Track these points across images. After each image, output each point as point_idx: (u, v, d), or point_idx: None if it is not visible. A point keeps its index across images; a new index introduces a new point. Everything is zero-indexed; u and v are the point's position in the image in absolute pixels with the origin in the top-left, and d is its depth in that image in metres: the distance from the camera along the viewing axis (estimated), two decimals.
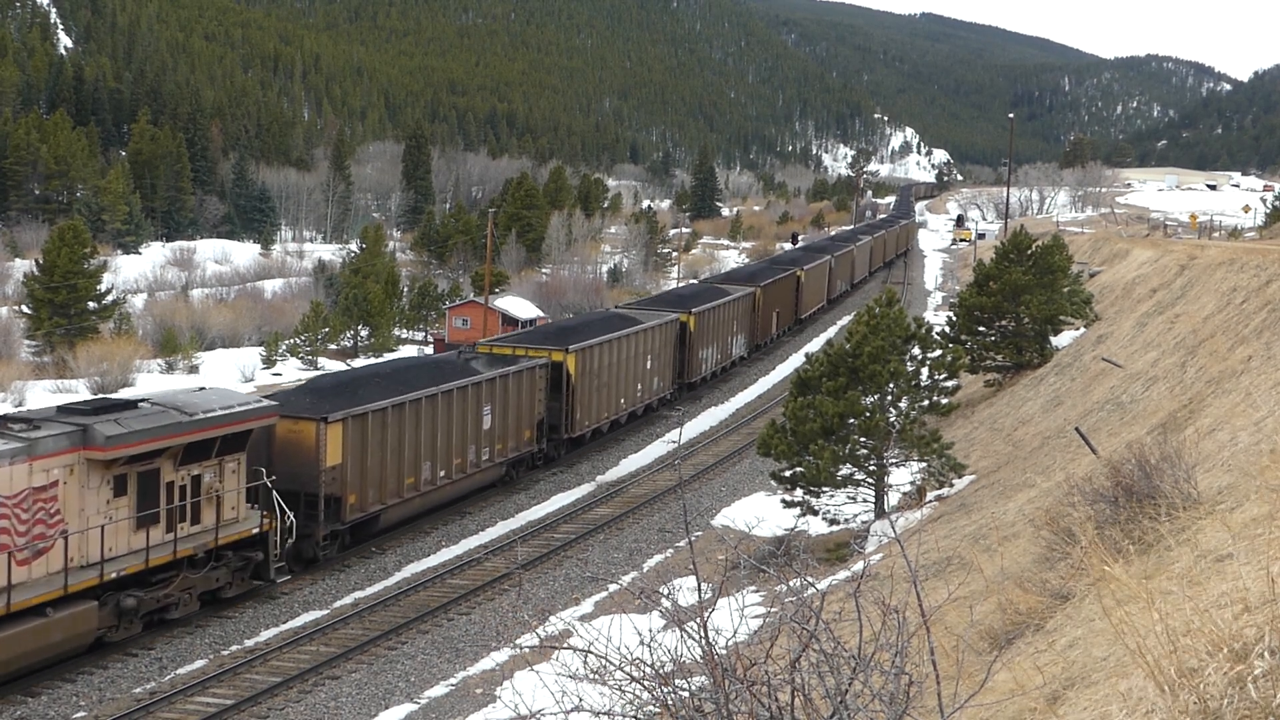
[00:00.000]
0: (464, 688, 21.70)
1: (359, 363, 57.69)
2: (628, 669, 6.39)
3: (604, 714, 6.37)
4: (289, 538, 25.51)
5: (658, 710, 6.30)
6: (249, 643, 23.61)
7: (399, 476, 29.26)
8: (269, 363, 59.88)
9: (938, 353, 27.72)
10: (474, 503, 33.74)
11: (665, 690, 6.30)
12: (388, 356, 60.64)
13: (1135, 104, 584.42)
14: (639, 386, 42.71)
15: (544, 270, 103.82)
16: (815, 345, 62.74)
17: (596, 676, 6.45)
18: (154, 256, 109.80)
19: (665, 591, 7.02)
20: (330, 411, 26.93)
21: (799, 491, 26.01)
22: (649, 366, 43.31)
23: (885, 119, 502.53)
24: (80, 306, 65.72)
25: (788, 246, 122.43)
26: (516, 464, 35.18)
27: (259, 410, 24.94)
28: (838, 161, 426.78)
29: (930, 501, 25.44)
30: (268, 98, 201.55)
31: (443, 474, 31.05)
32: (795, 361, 58.33)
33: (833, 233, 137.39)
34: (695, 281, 68.94)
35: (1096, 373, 30.48)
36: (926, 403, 26.97)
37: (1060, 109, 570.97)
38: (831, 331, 70.67)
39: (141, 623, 22.71)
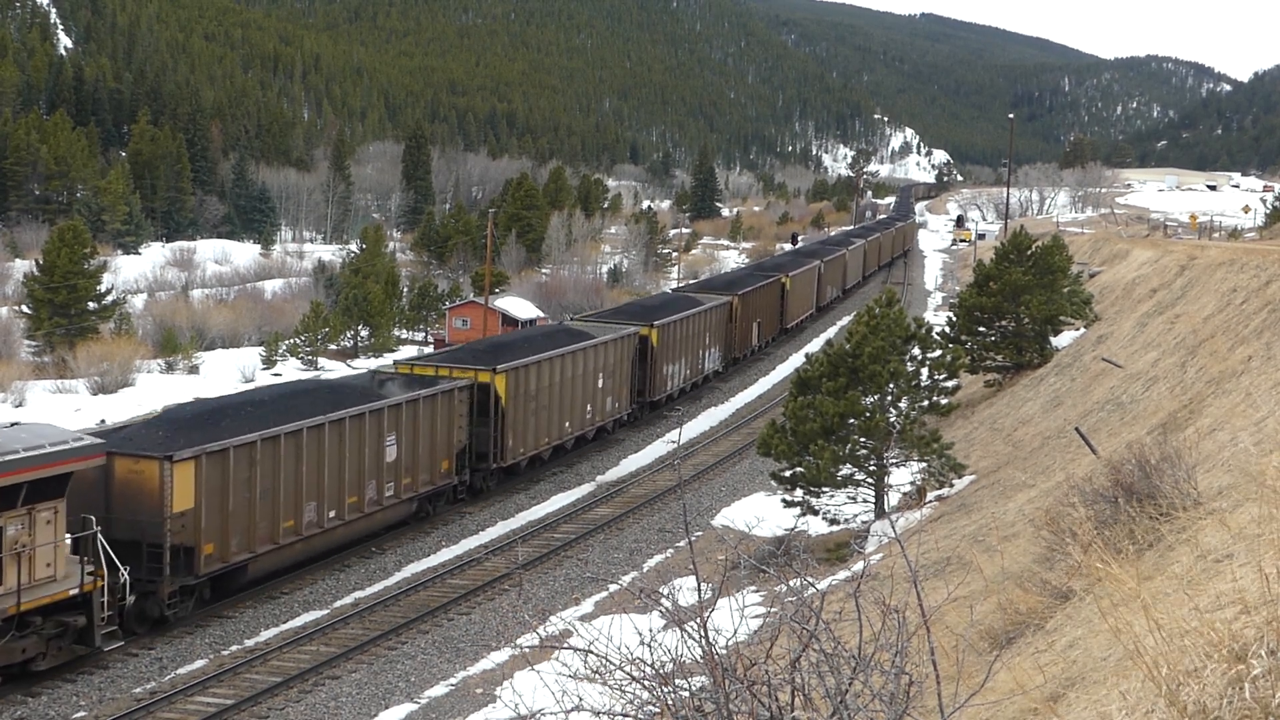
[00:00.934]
0: (464, 688, 21.70)
1: (359, 363, 57.65)
2: (628, 669, 6.39)
3: (604, 714, 6.37)
4: (125, 596, 21.85)
5: (658, 710, 6.30)
6: (249, 643, 23.62)
7: (273, 520, 25.56)
8: (269, 363, 59.87)
9: (938, 353, 27.73)
10: (474, 503, 33.73)
11: (665, 690, 6.30)
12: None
13: (1135, 104, 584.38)
14: (588, 408, 38.86)
15: (544, 270, 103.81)
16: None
17: (596, 676, 6.45)
18: (154, 257, 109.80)
19: (665, 591, 7.02)
20: (178, 448, 23.33)
21: (799, 491, 26.02)
22: (601, 385, 39.46)
23: (885, 119, 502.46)
24: (80, 307, 65.71)
25: (787, 247, 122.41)
26: (434, 498, 31.51)
27: (79, 450, 21.05)
28: (838, 162, 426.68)
29: (930, 501, 25.45)
30: (268, 98, 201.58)
31: (333, 515, 27.22)
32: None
33: (828, 234, 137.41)
34: (669, 290, 63.23)
35: (1096, 373, 30.48)
36: (926, 403, 26.97)
37: (1060, 109, 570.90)
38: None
39: None
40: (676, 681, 6.35)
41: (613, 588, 23.62)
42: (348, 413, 27.64)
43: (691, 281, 73.55)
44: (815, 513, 26.22)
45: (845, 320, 71.94)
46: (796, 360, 57.23)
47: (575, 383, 37.75)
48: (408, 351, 63.53)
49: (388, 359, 56.66)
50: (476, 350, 36.04)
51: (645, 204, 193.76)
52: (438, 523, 31.89)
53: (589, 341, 38.98)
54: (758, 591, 20.30)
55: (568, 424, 37.72)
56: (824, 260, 78.83)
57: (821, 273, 77.01)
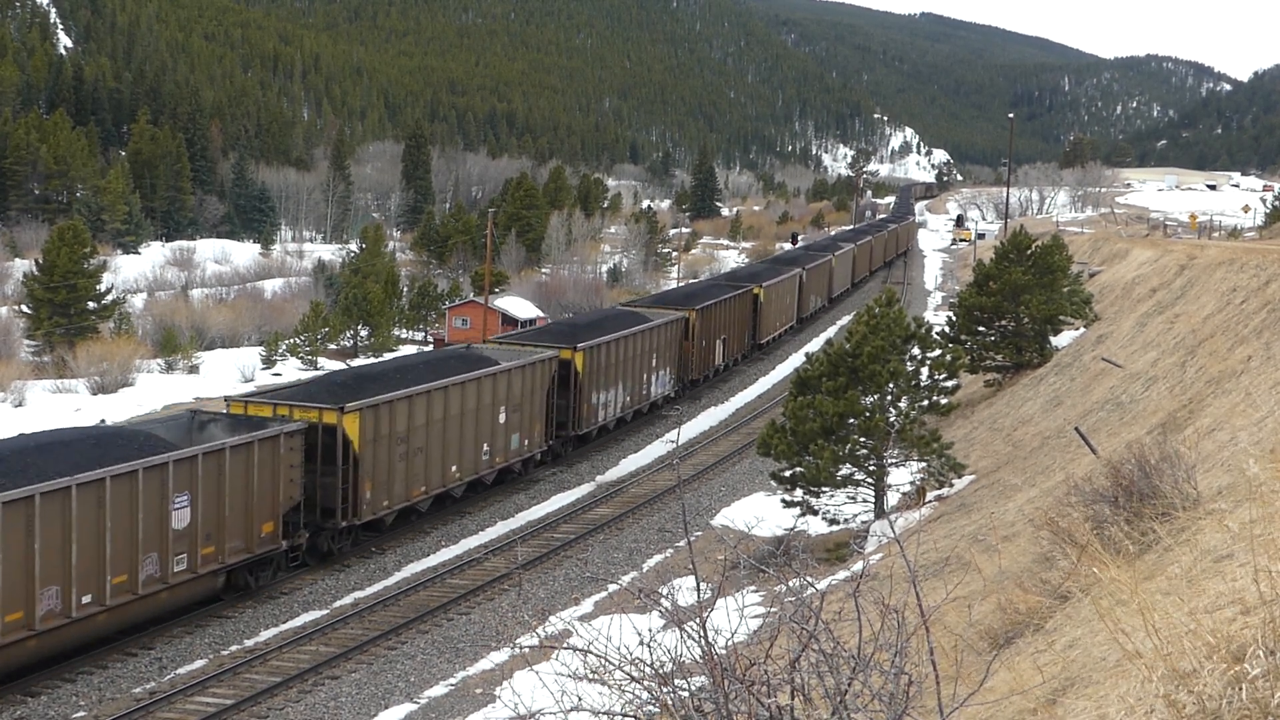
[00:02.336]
0: (464, 688, 21.71)
1: (356, 363, 57.62)
2: (627, 669, 6.39)
3: (604, 714, 6.37)
4: None
5: (657, 710, 6.31)
6: (249, 642, 23.62)
7: None
8: (269, 363, 59.89)
9: (937, 352, 27.73)
10: (474, 503, 33.73)
11: (665, 690, 6.30)
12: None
13: (1135, 104, 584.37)
14: (484, 447, 33.15)
15: (544, 270, 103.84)
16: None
17: (596, 676, 6.46)
18: (154, 256, 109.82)
19: (665, 591, 7.02)
20: None
21: (799, 491, 26.02)
22: (503, 420, 33.80)
23: (885, 119, 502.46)
24: (80, 306, 65.75)
25: (787, 246, 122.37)
26: (256, 566, 25.64)
27: None
28: (837, 161, 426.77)
29: (930, 501, 25.45)
30: (267, 98, 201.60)
31: (88, 600, 21.41)
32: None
33: (828, 233, 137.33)
34: (617, 305, 56.43)
35: (1096, 373, 30.49)
36: (926, 403, 26.98)
37: (1060, 109, 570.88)
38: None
39: None
40: (676, 681, 6.35)
41: (612, 588, 23.62)
42: (109, 471, 21.54)
43: (637, 298, 64.61)
44: (815, 513, 26.23)
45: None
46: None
47: (465, 419, 31.82)
48: (407, 350, 63.50)
49: (388, 357, 56.52)
50: (332, 384, 29.86)
51: (645, 204, 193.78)
52: (437, 523, 31.87)
53: (487, 370, 33.12)
54: (757, 591, 20.30)
55: (454, 468, 31.57)
56: (806, 268, 72.33)
57: (803, 281, 70.67)
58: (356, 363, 58.21)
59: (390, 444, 28.80)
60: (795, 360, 59.00)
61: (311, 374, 35.28)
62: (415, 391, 29.88)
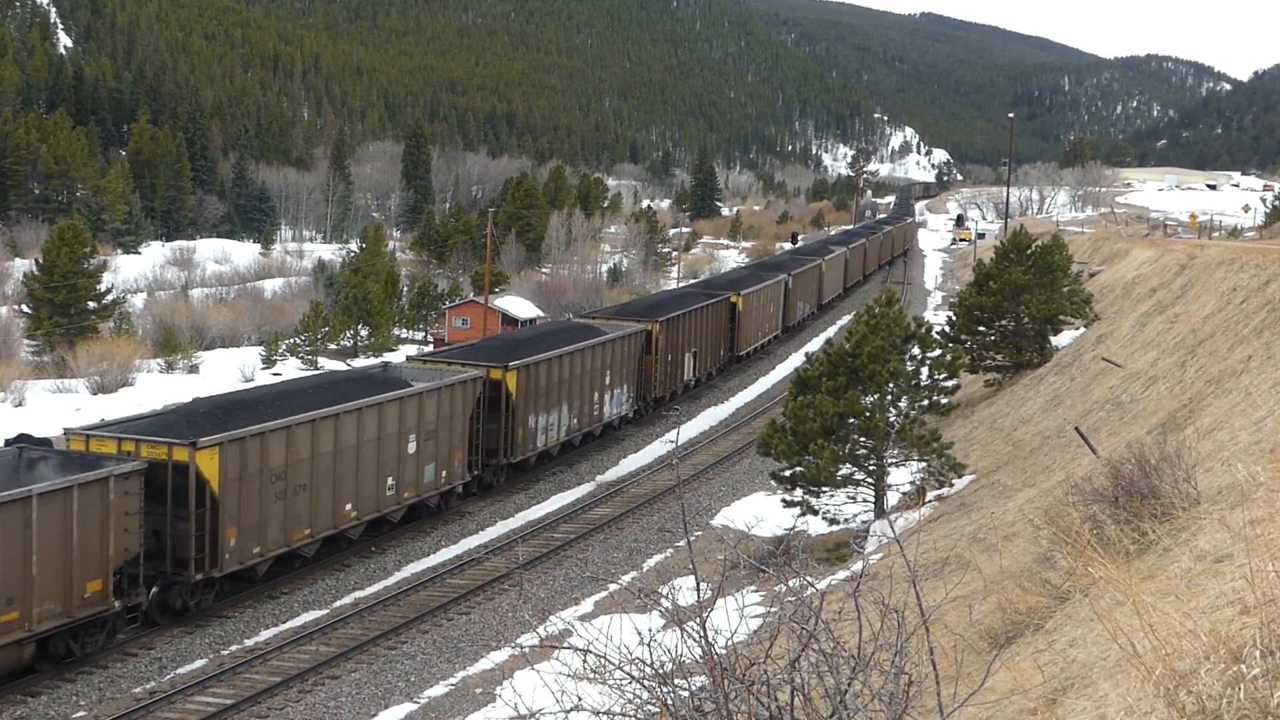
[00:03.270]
0: (464, 687, 21.71)
1: (358, 363, 57.61)
2: (627, 668, 6.39)
3: (604, 713, 6.38)
4: None
5: (657, 710, 6.31)
6: (249, 642, 23.63)
7: None
8: (269, 363, 59.89)
9: (937, 352, 27.74)
10: (474, 503, 33.74)
11: (665, 690, 6.31)
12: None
13: (1135, 104, 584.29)
14: (389, 481, 29.30)
15: (544, 270, 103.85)
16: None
17: (596, 676, 6.46)
18: (154, 256, 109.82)
19: (665, 591, 7.02)
20: None
21: (799, 491, 26.03)
22: (413, 449, 30.02)
23: (885, 119, 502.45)
24: (80, 306, 65.75)
25: (787, 246, 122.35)
26: (82, 631, 21.81)
27: None
28: (837, 161, 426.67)
29: (930, 501, 25.45)
30: (267, 97, 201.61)
31: None
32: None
33: (827, 233, 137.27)
34: (570, 318, 52.29)
35: (1096, 372, 30.49)
36: (926, 402, 26.99)
37: (1060, 109, 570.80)
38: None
39: None
40: (676, 681, 6.35)
41: (612, 587, 23.63)
42: None
43: (597, 308, 60.78)
44: (815, 512, 26.23)
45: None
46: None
47: (364, 450, 28.04)
48: (407, 351, 63.51)
49: (388, 357, 56.49)
50: (193, 414, 25.61)
51: (645, 203, 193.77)
52: (437, 523, 31.88)
53: (390, 394, 29.35)
54: (757, 591, 20.31)
55: (349, 506, 27.89)
56: (792, 273, 67.91)
57: (789, 288, 66.41)
58: (357, 363, 58.15)
59: (262, 482, 24.97)
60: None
61: (178, 402, 29.60)
62: (297, 421, 26.01)
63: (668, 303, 50.29)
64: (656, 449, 41.59)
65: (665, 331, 45.24)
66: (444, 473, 31.45)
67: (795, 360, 59.21)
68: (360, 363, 57.11)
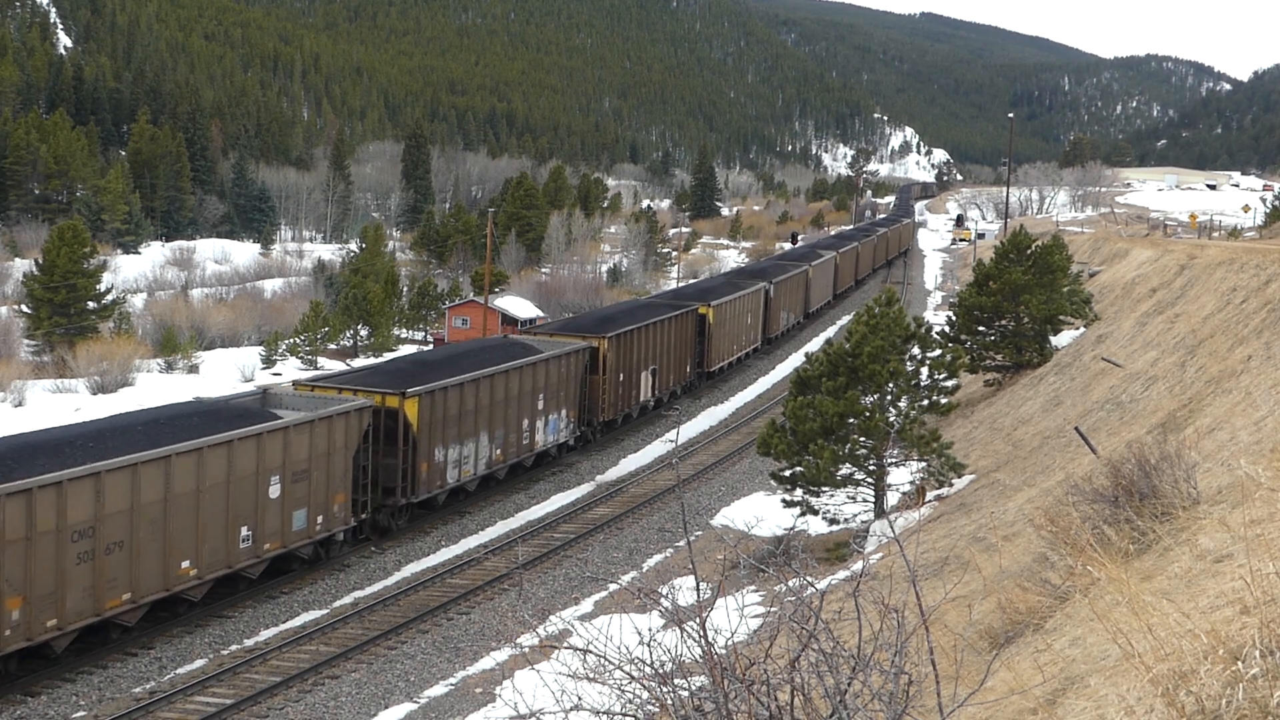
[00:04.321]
0: (464, 687, 21.72)
1: (358, 363, 57.57)
2: (627, 668, 6.40)
3: (603, 713, 6.38)
4: None
5: (657, 710, 6.31)
6: (249, 642, 23.63)
7: None
8: (269, 363, 59.90)
9: (937, 352, 27.74)
10: (474, 503, 33.75)
11: (665, 690, 6.31)
12: (378, 360, 59.51)
13: (1135, 104, 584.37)
14: (244, 532, 24.82)
15: (544, 270, 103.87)
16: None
17: (596, 676, 6.46)
18: (153, 256, 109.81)
19: (664, 591, 7.03)
20: None
21: (799, 491, 26.03)
22: (276, 493, 25.59)
23: (885, 119, 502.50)
24: (80, 306, 65.75)
25: (787, 246, 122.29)
26: None
27: None
28: (837, 161, 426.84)
29: (930, 501, 25.45)
30: (267, 97, 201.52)
31: None
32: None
33: (827, 233, 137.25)
34: (506, 335, 45.79)
35: (1096, 372, 30.49)
36: (926, 402, 26.99)
37: (1060, 109, 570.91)
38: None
39: None
40: (676, 681, 6.35)
41: (612, 587, 23.64)
42: None
43: (540, 323, 55.22)
44: (815, 512, 26.23)
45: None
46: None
47: (206, 497, 23.65)
48: (407, 351, 63.54)
49: (387, 358, 56.44)
50: (8, 449, 21.60)
51: (645, 203, 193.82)
52: (437, 523, 31.89)
53: (244, 430, 24.85)
54: (757, 591, 20.31)
55: (187, 563, 23.48)
56: (774, 281, 63.29)
57: (770, 296, 61.81)
58: (357, 363, 58.10)
59: (59, 542, 20.70)
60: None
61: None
62: (111, 466, 21.56)
63: (622, 316, 45.33)
64: (656, 449, 41.60)
65: (615, 348, 40.92)
66: (319, 518, 26.92)
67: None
68: (359, 363, 56.95)
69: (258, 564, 25.56)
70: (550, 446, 37.29)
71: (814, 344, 62.61)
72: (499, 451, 34.10)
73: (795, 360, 58.38)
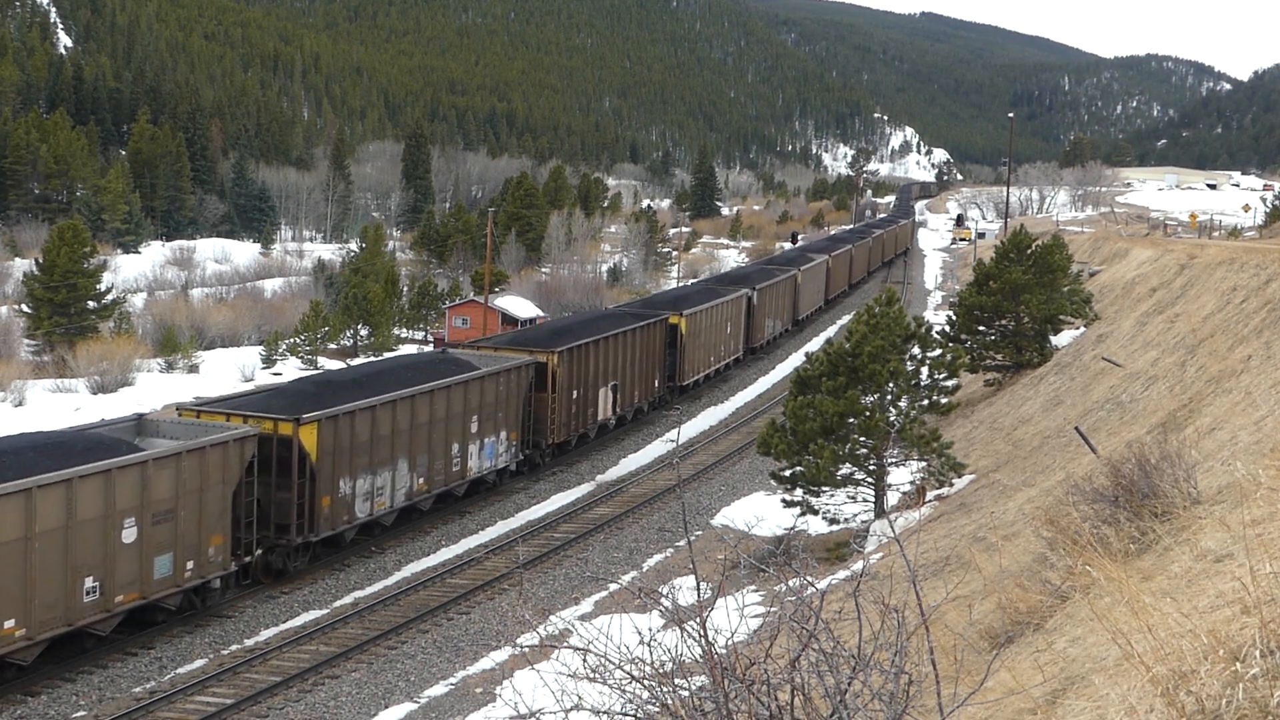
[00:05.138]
0: (464, 687, 21.72)
1: (358, 362, 57.52)
2: (627, 668, 6.40)
3: (603, 713, 6.38)
4: None
5: (657, 710, 6.31)
6: (249, 642, 23.63)
7: None
8: (269, 362, 59.91)
9: (937, 352, 27.74)
10: (473, 503, 33.76)
11: (665, 690, 6.31)
12: (384, 357, 59.54)
13: (1135, 103, 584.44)
14: (90, 583, 21.70)
15: (544, 270, 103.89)
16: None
17: (596, 676, 6.46)
18: (154, 256, 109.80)
19: (665, 591, 7.03)
20: None
21: (799, 491, 26.03)
22: (132, 539, 22.40)
23: (885, 118, 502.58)
24: (80, 306, 65.75)
25: (787, 246, 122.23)
26: None
27: None
28: (837, 161, 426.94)
29: (930, 501, 25.46)
30: (267, 97, 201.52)
31: None
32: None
33: (827, 233, 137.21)
34: (445, 349, 40.24)
35: (1096, 372, 30.49)
36: (926, 402, 26.99)
37: (1060, 108, 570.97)
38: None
39: None
40: (676, 681, 6.35)
41: (612, 587, 23.64)
42: None
43: (486, 337, 48.88)
44: (815, 512, 26.24)
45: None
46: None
47: (39, 544, 20.51)
48: (407, 350, 63.53)
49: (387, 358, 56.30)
50: None
51: (645, 203, 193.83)
52: (437, 522, 31.90)
53: (95, 465, 21.71)
54: (757, 591, 20.31)
55: (11, 623, 20.26)
56: (757, 287, 59.61)
57: (753, 304, 58.39)
58: (356, 362, 58.05)
59: None
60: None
61: None
62: None
63: (579, 327, 41.80)
64: (656, 449, 41.59)
65: (566, 363, 37.46)
66: (190, 564, 23.60)
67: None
68: (359, 363, 56.84)
69: (108, 619, 22.20)
70: (488, 472, 33.93)
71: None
72: (422, 480, 30.66)
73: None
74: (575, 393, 38.29)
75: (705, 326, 50.65)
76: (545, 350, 37.23)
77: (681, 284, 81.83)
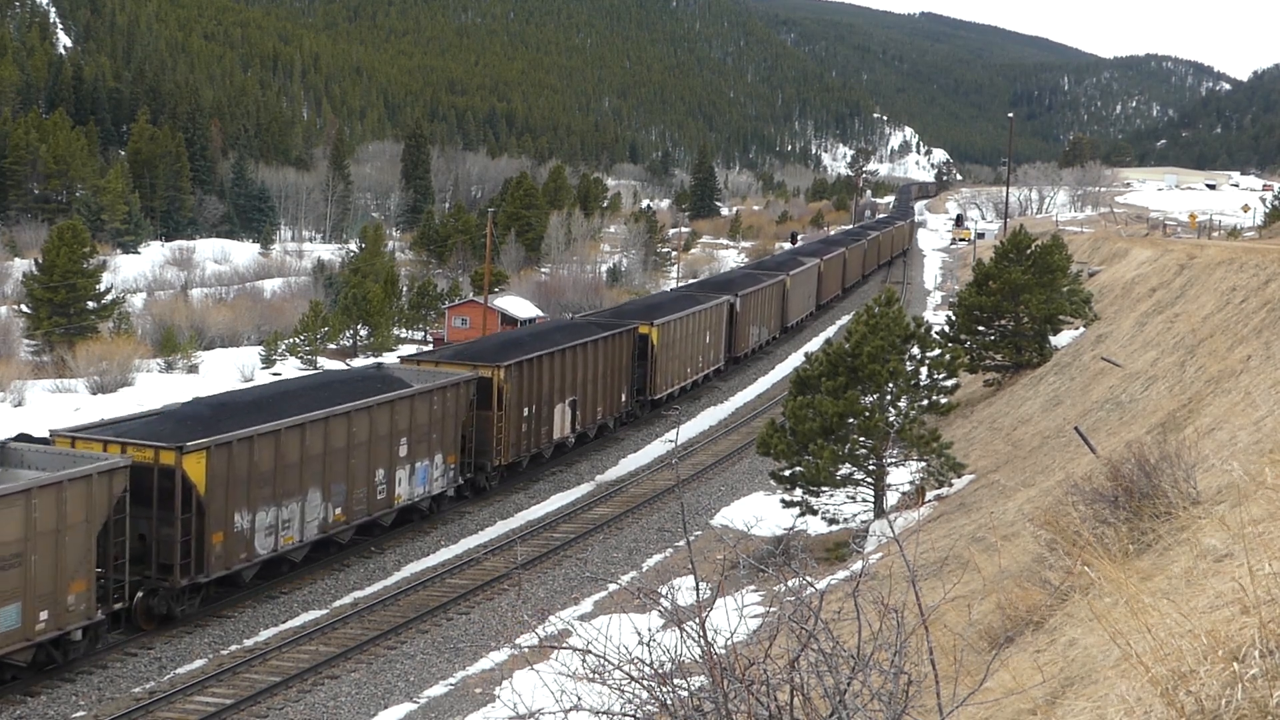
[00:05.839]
0: (463, 687, 21.72)
1: (358, 362, 57.54)
2: (627, 668, 6.39)
3: (603, 713, 6.38)
4: None
5: (657, 710, 6.31)
6: (248, 642, 23.63)
7: None
8: (268, 362, 59.91)
9: (937, 352, 27.74)
10: (473, 502, 33.76)
11: (664, 690, 6.31)
12: (387, 357, 59.51)
13: (1135, 103, 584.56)
14: None
15: (543, 270, 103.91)
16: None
17: (595, 676, 6.46)
18: (153, 256, 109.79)
19: (664, 591, 7.03)
20: None
21: (798, 491, 26.04)
22: None
23: (884, 118, 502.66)
24: (79, 306, 65.76)
25: (787, 245, 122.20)
26: None
27: None
28: (837, 161, 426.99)
29: (929, 501, 25.46)
30: (267, 97, 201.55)
31: None
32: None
33: (827, 233, 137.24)
34: (380, 365, 36.11)
35: (1096, 372, 30.49)
36: (926, 402, 26.99)
37: (1060, 108, 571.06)
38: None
39: None
40: (675, 681, 6.35)
41: (612, 587, 23.64)
42: None
43: (444, 347, 47.97)
44: (814, 512, 26.24)
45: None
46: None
47: None
48: (407, 351, 63.52)
49: (388, 357, 56.29)
50: None
51: (644, 203, 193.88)
52: (437, 523, 31.91)
53: None
54: (757, 591, 20.31)
55: None
56: (740, 294, 56.59)
57: (736, 311, 55.37)
58: (356, 362, 58.06)
59: None
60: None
61: None
62: None
63: (534, 339, 38.87)
64: (656, 449, 41.59)
65: (516, 378, 34.61)
66: (44, 614, 20.77)
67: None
68: (359, 363, 56.88)
69: None
70: (422, 499, 30.93)
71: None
72: (339, 511, 27.76)
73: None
74: (527, 410, 35.52)
75: (680, 336, 47.75)
76: (491, 365, 34.17)
77: (661, 290, 77.73)
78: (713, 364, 53.01)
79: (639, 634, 6.64)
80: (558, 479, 37.21)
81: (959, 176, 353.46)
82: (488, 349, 37.04)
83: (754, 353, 60.74)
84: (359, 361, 58.70)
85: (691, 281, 79.83)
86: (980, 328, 38.32)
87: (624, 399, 42.91)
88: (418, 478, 30.67)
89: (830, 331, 69.17)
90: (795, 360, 56.61)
